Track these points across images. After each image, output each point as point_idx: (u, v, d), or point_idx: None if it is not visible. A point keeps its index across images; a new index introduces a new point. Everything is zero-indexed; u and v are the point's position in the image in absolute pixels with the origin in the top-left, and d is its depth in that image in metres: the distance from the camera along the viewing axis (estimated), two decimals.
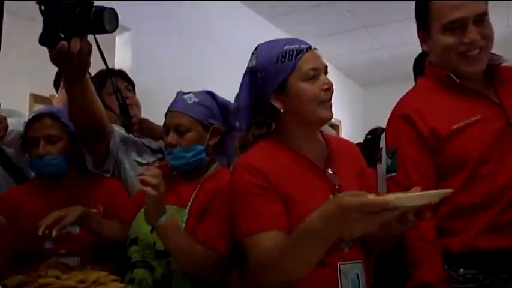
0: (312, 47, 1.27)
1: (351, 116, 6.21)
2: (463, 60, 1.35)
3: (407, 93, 1.51)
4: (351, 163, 1.36)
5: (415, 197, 0.88)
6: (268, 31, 4.43)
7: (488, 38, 1.35)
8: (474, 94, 1.38)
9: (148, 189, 1.31)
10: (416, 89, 1.52)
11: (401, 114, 1.41)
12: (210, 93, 1.62)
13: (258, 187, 1.17)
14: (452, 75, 1.39)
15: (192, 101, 1.56)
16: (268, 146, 1.27)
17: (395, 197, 0.85)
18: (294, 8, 4.19)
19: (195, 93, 1.59)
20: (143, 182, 1.32)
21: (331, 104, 1.27)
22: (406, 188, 1.31)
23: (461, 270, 1.31)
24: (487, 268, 1.29)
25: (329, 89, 1.25)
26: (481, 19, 1.34)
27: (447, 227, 1.34)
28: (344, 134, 5.44)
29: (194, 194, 1.51)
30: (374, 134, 3.50)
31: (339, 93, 6.00)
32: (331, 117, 1.27)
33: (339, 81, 6.03)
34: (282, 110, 1.24)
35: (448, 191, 0.93)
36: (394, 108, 1.48)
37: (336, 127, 5.59)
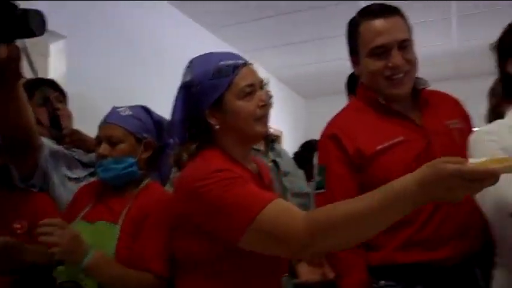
0: (248, 62, 1.27)
1: (294, 127, 6.30)
2: (389, 84, 1.42)
3: (339, 112, 1.57)
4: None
5: None
6: (211, 43, 4.42)
7: (411, 63, 1.43)
8: (399, 116, 1.45)
9: (54, 249, 1.26)
10: (347, 109, 1.58)
11: (330, 134, 1.47)
12: (145, 108, 1.61)
13: (230, 178, 1.11)
14: (380, 99, 1.46)
15: (126, 113, 1.55)
16: (220, 154, 1.23)
17: (502, 166, 0.85)
18: (238, 20, 4.21)
19: (130, 107, 1.58)
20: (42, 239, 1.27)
21: (267, 119, 1.28)
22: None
23: (382, 282, 1.40)
24: (404, 280, 1.38)
25: (265, 105, 1.25)
26: (405, 45, 1.42)
27: (369, 242, 1.40)
28: (286, 145, 5.51)
29: (126, 209, 1.47)
30: (305, 148, 3.57)
31: (281, 105, 6.17)
32: (267, 132, 1.28)
33: (282, 92, 6.12)
34: (217, 127, 1.24)
35: None
36: (326, 127, 1.53)
37: (277, 138, 5.65)
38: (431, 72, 6.04)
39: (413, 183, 0.92)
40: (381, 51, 1.41)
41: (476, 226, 1.37)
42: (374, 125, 1.45)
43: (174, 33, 3.93)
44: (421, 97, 1.50)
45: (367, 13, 1.47)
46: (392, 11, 1.45)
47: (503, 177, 0.86)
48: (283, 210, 1.06)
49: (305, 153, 3.47)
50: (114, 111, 1.56)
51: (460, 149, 1.33)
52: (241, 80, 1.22)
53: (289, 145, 5.57)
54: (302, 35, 4.55)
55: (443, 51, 5.04)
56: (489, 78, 1.49)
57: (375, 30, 1.42)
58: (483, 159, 0.90)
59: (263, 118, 1.26)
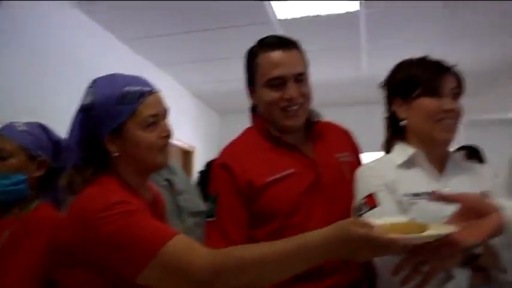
0: (154, 89, 1.24)
1: (207, 143, 6.30)
2: (283, 115, 1.45)
3: (233, 140, 1.58)
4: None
5: (424, 236, 0.93)
6: (125, 54, 4.31)
7: (306, 96, 1.47)
8: (291, 148, 1.48)
9: None
10: (241, 138, 1.59)
11: (222, 164, 1.47)
12: (42, 126, 1.54)
13: (130, 211, 1.07)
14: (272, 130, 1.49)
15: (20, 128, 1.48)
16: (117, 183, 1.19)
17: (405, 237, 0.90)
18: (153, 33, 4.16)
19: (26, 123, 1.51)
20: None
21: (168, 150, 1.26)
22: (223, 234, 1.39)
23: None
24: None
25: (167, 136, 1.24)
26: (301, 78, 1.46)
27: None
28: (199, 160, 5.50)
29: (9, 231, 1.38)
30: (211, 166, 3.56)
31: (196, 120, 6.16)
32: (167, 164, 1.27)
33: (197, 108, 6.10)
34: (116, 154, 1.20)
35: (453, 229, 0.96)
36: (219, 155, 1.53)
37: (189, 154, 5.62)
38: (341, 97, 6.32)
39: (322, 239, 0.96)
40: (277, 83, 1.44)
41: None
42: (266, 156, 1.47)
43: (87, 43, 3.77)
44: (313, 129, 1.54)
45: (266, 44, 1.50)
46: (291, 44, 1.49)
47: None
48: (186, 246, 1.04)
49: (210, 171, 3.47)
50: (10, 124, 1.50)
51: (348, 182, 1.39)
52: (146, 109, 1.19)
53: (202, 161, 5.56)
54: (219, 52, 4.59)
55: (353, 77, 5.35)
56: None
57: (272, 62, 1.45)
58: (390, 221, 0.96)
59: (164, 149, 1.24)
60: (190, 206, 2.01)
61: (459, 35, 4.27)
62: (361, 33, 4.17)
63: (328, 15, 3.76)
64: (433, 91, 1.31)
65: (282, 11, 3.66)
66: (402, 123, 1.39)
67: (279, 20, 3.76)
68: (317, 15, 3.74)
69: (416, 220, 1.01)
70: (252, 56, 1.52)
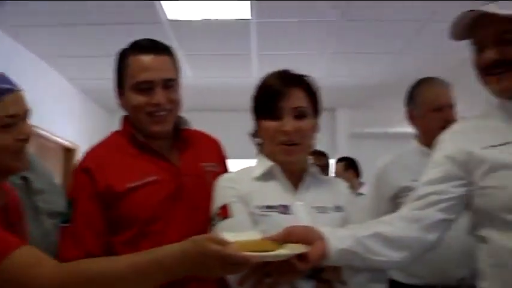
0: (16, 88, 1.15)
1: (93, 141, 5.99)
2: (150, 120, 1.42)
3: (97, 144, 1.52)
4: None
5: (278, 255, 1.00)
6: (8, 45, 3.99)
7: (175, 102, 1.46)
8: (155, 155, 1.45)
9: None
10: (106, 141, 1.54)
11: (83, 167, 1.41)
12: None
13: None
14: (138, 135, 1.45)
15: None
16: None
17: (258, 255, 0.95)
18: (37, 23, 3.86)
19: None
20: None
21: (25, 155, 1.18)
22: (76, 242, 1.33)
23: None
24: None
25: (26, 139, 1.15)
26: (170, 84, 1.44)
27: None
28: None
29: None
30: None
31: (81, 117, 5.85)
32: (23, 167, 1.21)
33: (83, 104, 5.82)
34: None
35: (303, 249, 1.02)
36: (82, 158, 1.47)
37: (71, 152, 5.33)
38: (232, 103, 6.33)
39: (176, 253, 0.95)
40: (145, 87, 1.41)
41: None
42: (129, 162, 1.43)
43: None
44: (181, 137, 1.52)
45: (138, 47, 1.46)
46: (163, 49, 1.47)
47: None
48: (32, 257, 0.99)
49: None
50: None
51: (210, 193, 1.38)
52: (3, 109, 1.10)
53: None
54: (106, 48, 4.40)
55: (244, 83, 5.41)
56: None
57: (141, 65, 1.42)
58: (243, 237, 1.01)
59: (21, 152, 1.16)
60: (49, 206, 1.86)
61: (346, 51, 4.53)
62: (252, 41, 4.25)
63: (220, 21, 3.78)
64: (271, 113, 1.31)
65: (173, 12, 3.61)
66: (257, 140, 1.42)
67: (170, 20, 3.71)
68: (208, 19, 3.74)
69: (268, 234, 1.06)
70: (123, 57, 1.48)
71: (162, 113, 1.43)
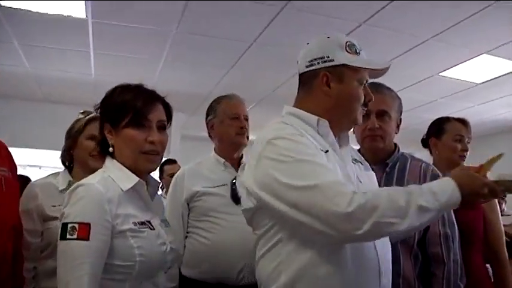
0: None
1: None
2: None
3: None
4: None
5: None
6: None
7: None
8: None
9: None
10: None
11: None
12: None
13: None
14: None
15: None
16: None
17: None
18: None
19: None
20: None
21: None
22: None
23: None
24: None
25: None
26: None
27: None
28: None
29: None
30: None
31: None
32: None
33: None
34: None
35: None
36: None
37: None
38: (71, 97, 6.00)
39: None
40: None
41: None
42: None
43: None
44: None
45: None
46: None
47: None
48: None
49: None
50: None
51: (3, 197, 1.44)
52: None
53: None
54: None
55: (83, 80, 5.29)
56: None
57: None
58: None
59: None
60: None
61: (182, 60, 4.75)
62: (89, 39, 4.24)
63: (56, 15, 3.72)
64: (140, 122, 1.35)
65: None
66: (110, 149, 1.40)
67: (1, 6, 3.54)
68: (43, 13, 3.67)
69: None
70: None
71: None
